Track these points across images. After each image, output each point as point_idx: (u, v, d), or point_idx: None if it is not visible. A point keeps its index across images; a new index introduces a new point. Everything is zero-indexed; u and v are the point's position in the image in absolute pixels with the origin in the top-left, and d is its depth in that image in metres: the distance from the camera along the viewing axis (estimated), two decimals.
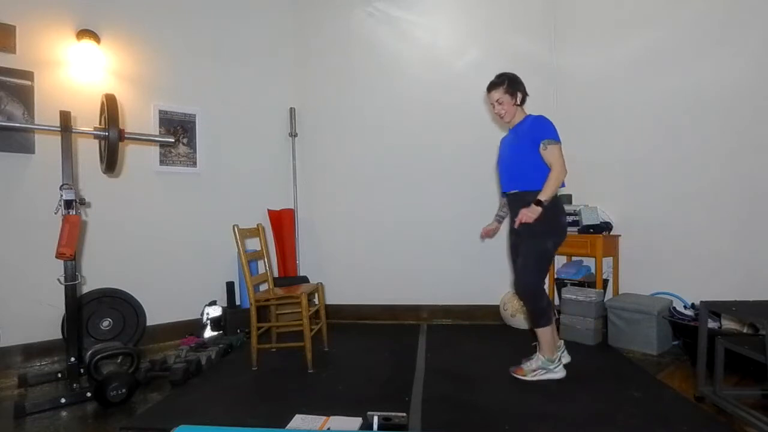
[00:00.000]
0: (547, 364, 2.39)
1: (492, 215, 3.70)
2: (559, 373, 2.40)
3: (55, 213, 2.28)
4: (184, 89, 3.50)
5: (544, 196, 2.24)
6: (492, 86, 2.45)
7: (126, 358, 2.48)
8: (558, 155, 2.31)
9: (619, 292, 3.35)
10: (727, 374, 2.03)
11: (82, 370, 2.36)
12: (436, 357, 2.83)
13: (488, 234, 2.72)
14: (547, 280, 3.49)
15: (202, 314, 3.30)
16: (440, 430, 1.86)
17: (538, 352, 2.44)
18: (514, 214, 2.43)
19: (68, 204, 2.25)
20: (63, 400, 2.17)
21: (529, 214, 2.24)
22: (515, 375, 2.43)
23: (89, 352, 2.39)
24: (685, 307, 2.94)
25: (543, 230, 2.31)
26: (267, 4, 3.92)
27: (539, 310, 2.36)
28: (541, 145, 2.32)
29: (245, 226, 2.82)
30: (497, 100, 2.43)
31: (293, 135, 4.00)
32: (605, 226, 3.29)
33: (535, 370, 2.40)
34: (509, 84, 2.41)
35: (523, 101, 2.46)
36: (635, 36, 3.30)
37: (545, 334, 2.38)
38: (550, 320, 2.38)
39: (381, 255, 3.84)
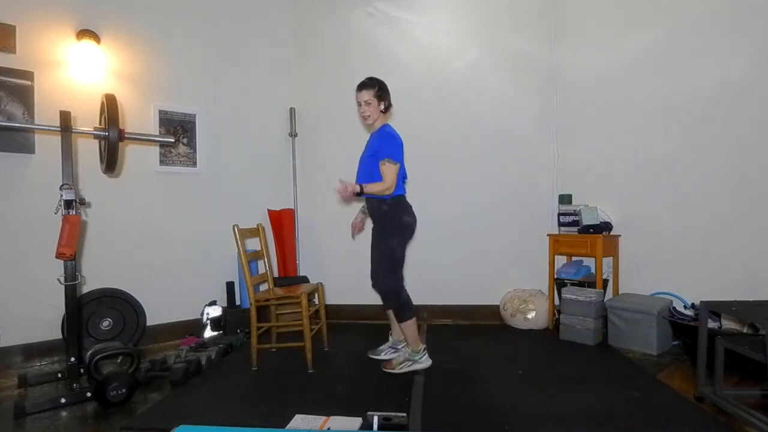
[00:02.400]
0: (413, 356, 2.52)
1: (491, 214, 3.74)
2: (425, 363, 2.54)
3: (55, 213, 2.28)
4: (184, 89, 3.50)
5: (366, 188, 2.40)
6: (363, 86, 2.54)
7: (126, 358, 2.48)
8: (389, 173, 2.43)
9: (619, 292, 3.35)
10: (727, 374, 2.03)
11: (82, 370, 2.36)
12: (436, 357, 2.82)
13: (356, 227, 2.82)
14: (547, 280, 3.53)
15: (202, 314, 3.30)
16: (440, 430, 1.86)
17: (403, 345, 2.59)
18: (370, 213, 2.64)
19: (68, 204, 2.25)
20: (63, 400, 2.17)
21: (348, 188, 2.37)
22: (385, 370, 2.51)
23: (89, 352, 2.39)
24: (685, 307, 2.94)
25: (385, 230, 2.52)
26: (267, 4, 3.92)
27: (400, 305, 2.50)
28: (381, 160, 2.45)
29: (245, 226, 2.82)
30: (365, 101, 2.52)
31: (293, 135, 4.00)
32: (605, 226, 3.29)
33: (402, 363, 2.51)
34: (379, 89, 2.53)
35: (386, 110, 2.60)
36: (635, 36, 3.30)
37: (409, 327, 2.51)
38: (412, 313, 2.51)
39: None
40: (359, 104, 2.56)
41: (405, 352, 2.56)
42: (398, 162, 2.46)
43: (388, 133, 2.52)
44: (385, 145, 2.47)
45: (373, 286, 2.60)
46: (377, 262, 2.55)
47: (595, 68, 3.50)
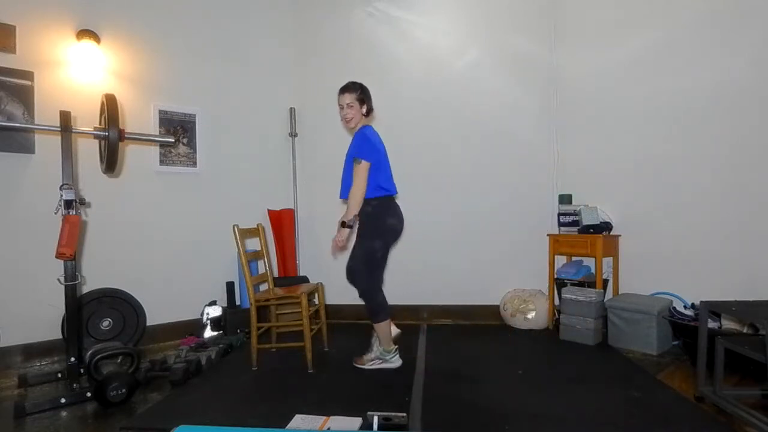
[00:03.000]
0: (384, 355, 2.57)
1: (491, 214, 3.74)
2: (395, 363, 2.59)
3: (55, 213, 2.28)
4: (184, 89, 3.50)
5: (345, 217, 2.43)
6: (345, 89, 2.54)
7: (126, 358, 2.48)
8: (359, 174, 2.41)
9: (619, 292, 3.35)
10: (727, 374, 2.04)
11: (82, 370, 2.36)
12: (436, 357, 2.83)
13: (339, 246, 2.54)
14: (547, 280, 3.53)
15: (202, 314, 3.30)
16: (440, 430, 1.86)
17: (376, 344, 2.62)
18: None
19: (68, 204, 2.25)
20: (63, 400, 2.17)
21: (339, 239, 2.45)
22: (356, 365, 2.58)
23: (89, 352, 2.39)
24: (685, 307, 2.94)
25: (369, 232, 2.50)
26: (267, 4, 3.92)
27: (376, 306, 2.53)
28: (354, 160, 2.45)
29: (245, 226, 2.82)
30: (348, 104, 2.53)
31: (293, 135, 4.00)
32: (605, 226, 3.29)
33: (373, 360, 2.57)
34: (362, 92, 2.54)
35: (368, 113, 2.59)
36: (635, 36, 3.30)
37: (382, 328, 2.55)
38: (387, 315, 2.56)
39: None
40: (341, 107, 2.55)
41: (377, 350, 2.60)
42: (368, 160, 2.42)
43: (359, 133, 2.51)
44: (356, 143, 2.49)
45: (349, 280, 2.61)
46: (356, 259, 2.53)
47: (595, 68, 3.50)
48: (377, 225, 2.49)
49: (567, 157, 3.64)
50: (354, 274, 2.56)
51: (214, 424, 1.92)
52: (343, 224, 2.43)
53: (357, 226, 2.57)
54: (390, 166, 2.61)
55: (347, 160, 2.56)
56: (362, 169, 2.41)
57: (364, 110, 2.56)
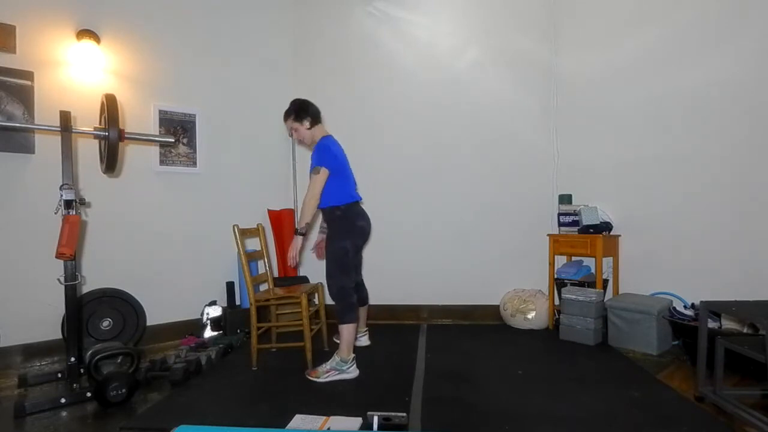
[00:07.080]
0: (341, 366, 2.46)
1: (491, 214, 3.74)
2: (352, 374, 2.47)
3: (55, 213, 2.28)
4: (184, 89, 3.50)
5: (299, 225, 2.50)
6: (285, 116, 2.68)
7: (126, 358, 2.48)
8: (315, 182, 2.48)
9: (619, 292, 3.35)
10: (727, 374, 2.03)
11: (82, 370, 2.36)
12: (436, 357, 2.83)
13: (319, 248, 2.86)
14: (547, 280, 3.53)
15: (202, 314, 3.30)
16: (440, 430, 1.86)
17: (335, 353, 2.51)
18: (325, 219, 2.72)
19: (68, 204, 2.25)
20: (63, 400, 2.17)
21: (292, 253, 2.49)
22: (310, 377, 2.45)
23: (89, 352, 2.39)
24: (685, 307, 2.94)
25: (340, 232, 2.56)
26: (267, 4, 3.92)
27: (347, 306, 2.51)
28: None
29: (245, 226, 2.82)
30: (291, 128, 2.67)
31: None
32: (605, 226, 3.29)
33: (328, 371, 2.45)
34: (296, 113, 2.63)
35: (313, 124, 2.65)
36: (635, 36, 3.30)
37: (348, 331, 2.49)
38: (354, 318, 2.52)
39: (381, 255, 3.84)
40: (290, 133, 2.69)
41: (333, 361, 2.47)
42: (327, 167, 2.48)
43: (318, 144, 2.58)
44: (314, 156, 2.54)
45: (328, 289, 2.60)
46: (332, 263, 2.55)
47: (596, 68, 3.50)
48: (347, 226, 2.57)
49: (567, 157, 3.65)
50: (328, 276, 2.57)
51: (214, 424, 1.92)
52: (295, 231, 2.48)
53: (327, 232, 2.66)
54: (352, 174, 2.70)
55: (311, 172, 2.57)
56: (320, 178, 2.48)
57: (307, 125, 2.62)
